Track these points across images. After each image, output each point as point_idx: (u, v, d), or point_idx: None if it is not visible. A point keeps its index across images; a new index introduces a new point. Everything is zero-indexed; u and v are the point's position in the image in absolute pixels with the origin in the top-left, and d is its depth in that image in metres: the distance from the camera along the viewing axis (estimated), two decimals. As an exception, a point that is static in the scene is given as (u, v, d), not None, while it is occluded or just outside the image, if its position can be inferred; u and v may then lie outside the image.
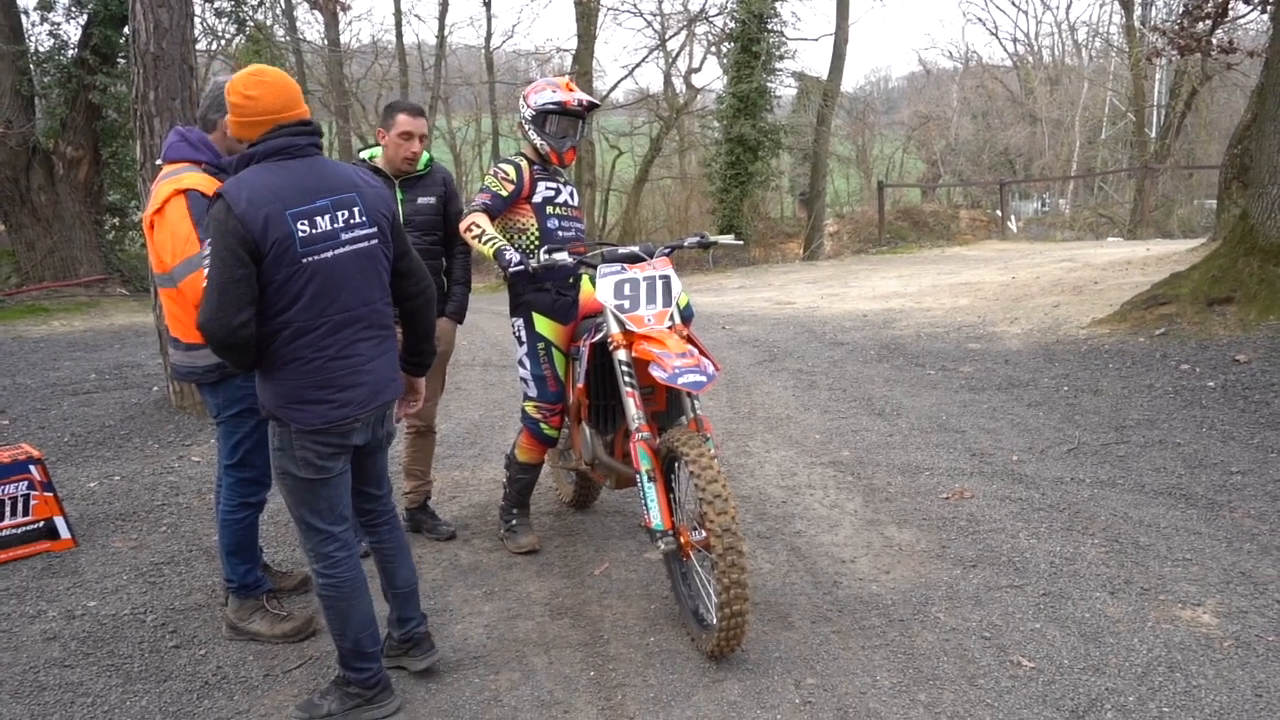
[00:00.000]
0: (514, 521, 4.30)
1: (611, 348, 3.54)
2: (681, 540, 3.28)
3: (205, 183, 3.18)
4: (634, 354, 3.46)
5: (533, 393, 4.12)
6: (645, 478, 3.31)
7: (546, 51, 33.96)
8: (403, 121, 4.00)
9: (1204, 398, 5.96)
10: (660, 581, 3.85)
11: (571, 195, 4.23)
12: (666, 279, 3.58)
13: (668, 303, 3.53)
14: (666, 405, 3.86)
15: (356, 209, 2.75)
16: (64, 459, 5.85)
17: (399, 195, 4.03)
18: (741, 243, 4.36)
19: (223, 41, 23.31)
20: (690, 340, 3.50)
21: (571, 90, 4.01)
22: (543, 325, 4.09)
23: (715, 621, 3.08)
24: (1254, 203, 7.52)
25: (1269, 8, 9.03)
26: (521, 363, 4.16)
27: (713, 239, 4.06)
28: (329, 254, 2.68)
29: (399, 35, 28.16)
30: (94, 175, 14.84)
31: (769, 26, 20.69)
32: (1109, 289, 9.58)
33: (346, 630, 2.89)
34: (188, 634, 3.57)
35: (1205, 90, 24.71)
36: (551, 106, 3.96)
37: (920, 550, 4.07)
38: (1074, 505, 4.46)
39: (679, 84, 28.18)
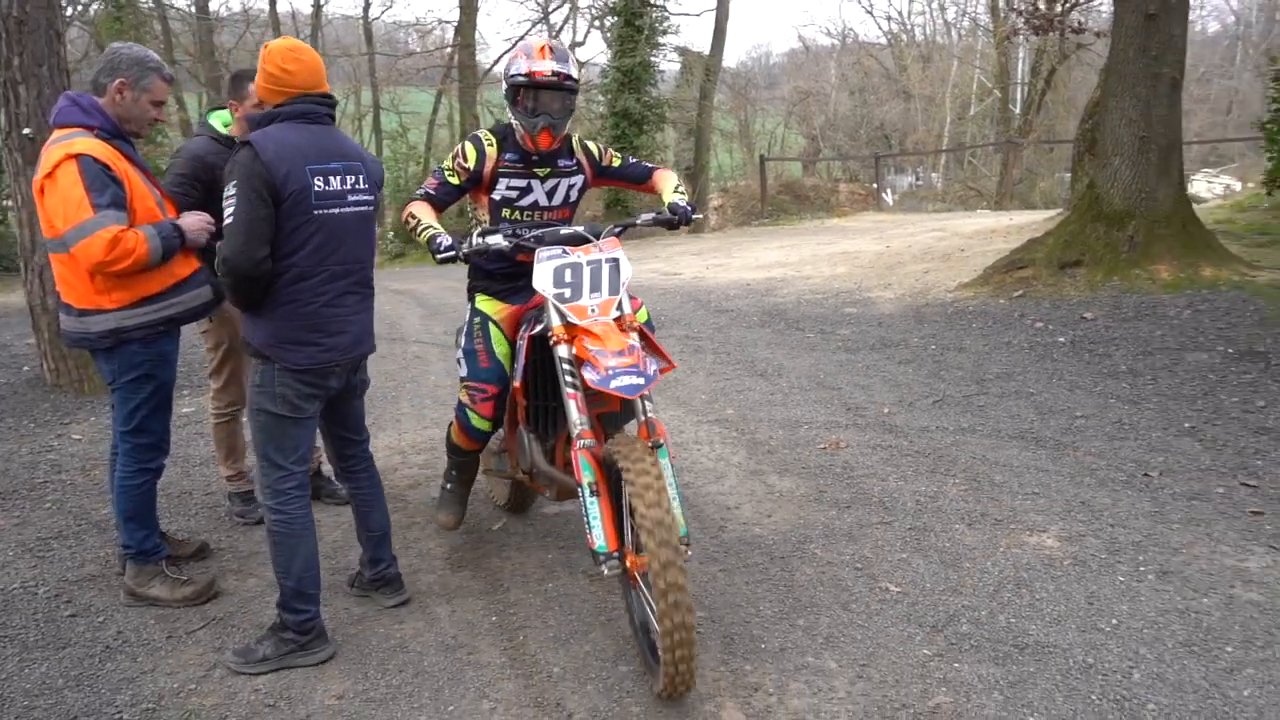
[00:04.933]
0: (448, 486, 3.92)
1: (552, 343, 3.11)
2: (628, 564, 2.86)
3: (98, 148, 3.16)
4: (577, 350, 3.04)
5: (463, 371, 3.66)
6: (588, 491, 2.90)
7: (428, 23, 33.33)
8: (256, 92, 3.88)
9: (1055, 352, 6.46)
10: (555, 532, 4.03)
11: (553, 193, 3.65)
12: (614, 263, 3.19)
13: (615, 290, 3.14)
14: (623, 404, 3.36)
15: (361, 176, 3.06)
16: (-67, 441, 5.63)
17: None
18: (701, 216, 3.86)
19: (80, 6, 22.14)
20: (642, 335, 3.14)
21: (545, 57, 3.42)
22: (484, 302, 3.71)
23: (661, 660, 2.67)
24: (1099, 173, 8.12)
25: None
26: (457, 342, 3.79)
27: (668, 215, 3.58)
28: (335, 210, 2.97)
29: (272, 3, 27.25)
30: (-57, 148, 13.97)
31: (651, 1, 20.83)
32: (974, 256, 10.16)
33: (291, 568, 3.03)
34: (83, 603, 3.56)
35: (1063, 69, 26.07)
36: (520, 79, 3.42)
37: (799, 496, 4.36)
38: (938, 450, 4.84)
39: (563, 58, 28.06)
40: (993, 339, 6.92)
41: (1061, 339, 6.68)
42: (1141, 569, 3.51)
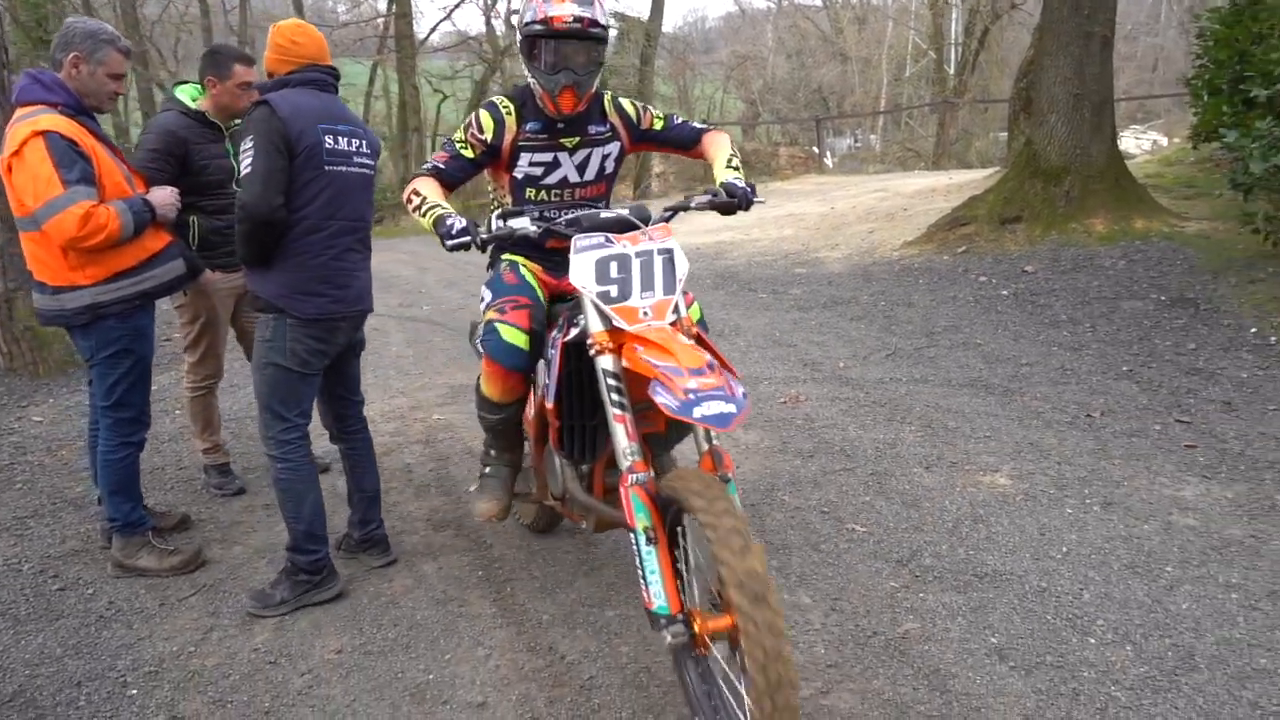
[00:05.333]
0: (486, 470, 3.25)
1: (593, 352, 2.55)
2: (696, 629, 2.30)
3: (63, 124, 3.17)
4: (625, 362, 2.49)
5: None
6: (642, 539, 2.35)
7: (359, -8, 32.58)
8: (242, 73, 3.83)
9: (999, 304, 6.73)
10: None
11: (584, 166, 3.14)
12: (668, 255, 2.62)
13: (670, 288, 2.59)
14: (668, 425, 2.83)
15: (364, 142, 3.25)
16: (-113, 428, 5.55)
17: (230, 148, 3.90)
18: (763, 201, 3.15)
19: (-5, -20, 21.31)
20: (700, 342, 2.62)
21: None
22: (515, 257, 3.19)
23: None
24: (1036, 131, 8.38)
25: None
26: (473, 339, 3.32)
27: (726, 199, 2.95)
28: (342, 169, 3.15)
29: (198, -27, 26.41)
30: None
31: (589, -34, 20.69)
32: (917, 214, 10.41)
33: (301, 513, 3.20)
34: (71, 577, 3.60)
35: (996, 28, 26.51)
36: (536, 28, 2.88)
37: (765, 447, 4.54)
38: (893, 400, 5.05)
39: (499, 26, 27.80)
40: (939, 294, 7.17)
41: (1004, 292, 6.94)
42: (1087, 501, 3.75)
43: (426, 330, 7.74)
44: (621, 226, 2.73)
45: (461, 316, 8.24)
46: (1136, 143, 20.87)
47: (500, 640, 3.03)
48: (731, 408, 2.16)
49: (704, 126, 3.33)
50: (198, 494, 4.37)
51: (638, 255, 2.59)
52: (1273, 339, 5.40)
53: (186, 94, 3.92)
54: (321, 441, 3.94)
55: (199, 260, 3.71)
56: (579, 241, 2.62)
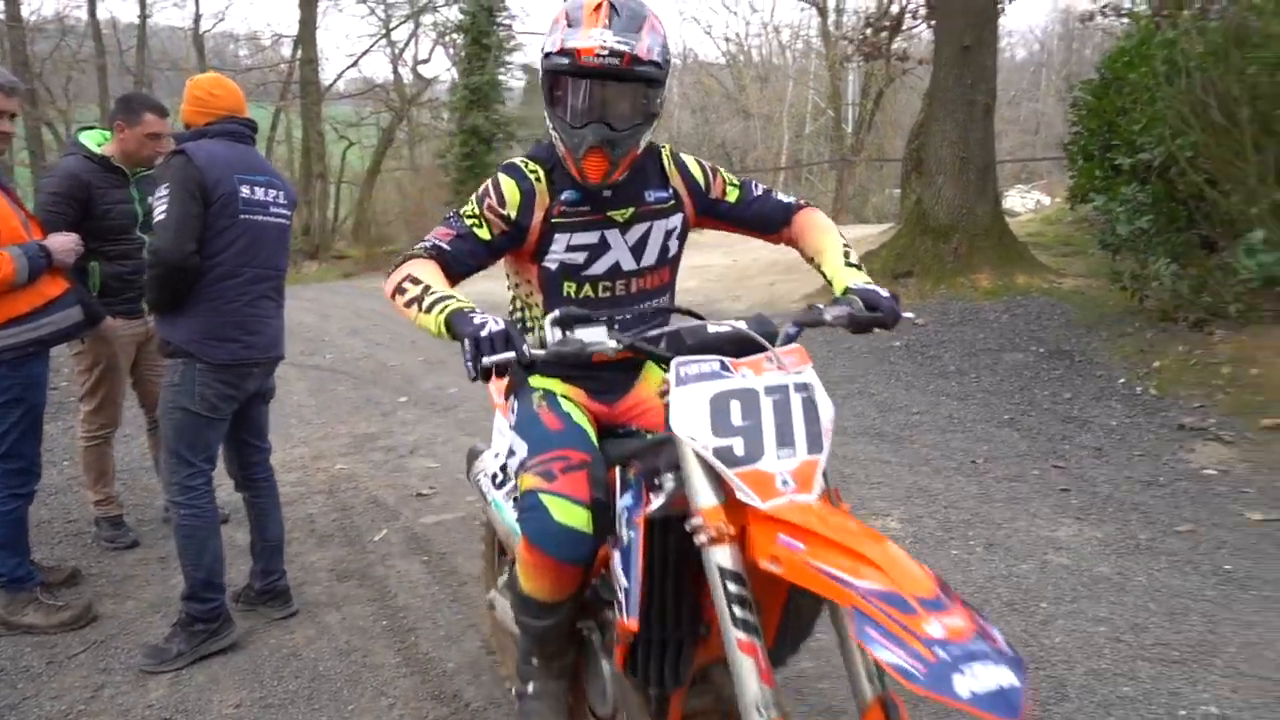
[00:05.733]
0: (529, 689, 2.32)
1: (701, 539, 1.71)
2: None
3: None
4: (766, 561, 1.63)
5: (520, 453, 2.19)
6: None
7: (262, 36, 32.32)
8: (152, 122, 3.79)
9: (892, 355, 7.03)
10: (439, 537, 4.16)
11: (641, 247, 2.27)
12: (808, 393, 1.83)
13: (816, 445, 1.78)
14: (776, 639, 1.99)
15: (280, 193, 3.23)
16: None
17: (135, 194, 3.85)
18: (922, 321, 2.28)
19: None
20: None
21: (599, 22, 2.00)
22: (544, 380, 2.32)
23: None
24: (926, 190, 8.85)
25: (933, 24, 10.52)
26: (510, 449, 2.31)
27: (868, 314, 2.10)
28: (259, 218, 3.20)
29: (92, 11, 25.76)
30: None
31: (498, 20, 21.02)
32: (816, 268, 10.79)
33: (201, 560, 3.17)
34: (-51, 636, 3.46)
35: (890, 91, 27.75)
36: (559, 62, 2.05)
37: (668, 494, 4.64)
38: (792, 448, 5.23)
39: (406, 74, 27.86)
40: (836, 345, 7.45)
41: (897, 343, 7.26)
42: (971, 543, 3.96)
43: (329, 379, 7.66)
44: (739, 345, 1.90)
45: (365, 366, 8.19)
46: (1022, 202, 21.99)
47: (404, 690, 3.04)
48: (1011, 676, 1.30)
49: (792, 201, 2.46)
50: (88, 547, 4.24)
51: (768, 393, 1.78)
52: (1138, 389, 5.80)
53: (91, 139, 3.86)
54: (221, 493, 3.88)
55: (99, 307, 3.65)
56: (683, 369, 1.78)
